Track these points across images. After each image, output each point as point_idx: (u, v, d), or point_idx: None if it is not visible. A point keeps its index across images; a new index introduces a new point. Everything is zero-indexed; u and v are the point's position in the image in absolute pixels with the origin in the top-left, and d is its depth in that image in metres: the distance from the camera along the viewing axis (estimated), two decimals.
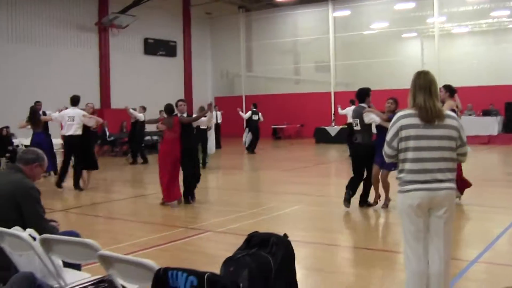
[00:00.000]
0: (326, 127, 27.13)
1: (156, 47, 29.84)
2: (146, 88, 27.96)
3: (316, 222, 8.73)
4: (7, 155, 16.73)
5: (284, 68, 33.24)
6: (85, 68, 25.79)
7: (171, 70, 30.93)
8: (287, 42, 32.93)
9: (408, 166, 4.12)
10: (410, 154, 4.10)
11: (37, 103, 14.85)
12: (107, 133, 21.71)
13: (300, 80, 33.38)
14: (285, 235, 3.77)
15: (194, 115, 10.34)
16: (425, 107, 4.09)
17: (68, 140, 12.25)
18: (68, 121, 12.24)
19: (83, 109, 12.74)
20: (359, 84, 29.36)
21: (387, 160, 4.35)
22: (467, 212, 8.91)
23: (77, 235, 4.63)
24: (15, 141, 17.78)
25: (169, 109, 10.05)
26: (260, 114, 22.44)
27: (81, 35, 25.80)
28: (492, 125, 23.72)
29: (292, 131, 31.05)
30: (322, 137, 26.58)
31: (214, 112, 25.93)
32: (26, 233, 3.86)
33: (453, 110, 8.31)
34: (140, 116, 18.64)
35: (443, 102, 8.98)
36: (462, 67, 25.77)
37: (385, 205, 9.34)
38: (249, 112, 22.36)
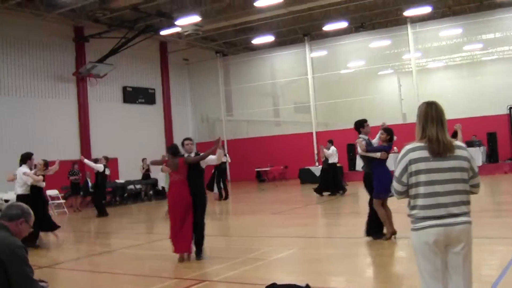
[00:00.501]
0: (310, 168, 26.94)
1: (135, 95, 29.67)
2: (127, 136, 27.70)
3: (315, 266, 8.37)
4: None
5: (264, 110, 33.25)
6: (64, 118, 25.47)
7: (151, 117, 30.73)
8: (265, 84, 33.06)
9: (420, 201, 3.90)
10: (421, 189, 3.89)
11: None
12: (89, 184, 21.23)
13: (281, 122, 33.41)
14: (308, 287, 3.47)
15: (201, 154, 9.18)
16: (437, 140, 3.89)
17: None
18: (15, 180, 11.77)
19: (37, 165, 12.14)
20: (339, 123, 29.79)
21: (397, 197, 4.12)
22: None
23: None
24: None
25: (173, 149, 9.21)
26: (228, 156, 21.76)
27: (59, 85, 25.53)
28: (476, 156, 23.72)
29: (276, 173, 30.82)
30: (307, 177, 26.33)
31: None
32: None
33: None
34: (99, 167, 17.92)
35: None
36: (440, 100, 25.74)
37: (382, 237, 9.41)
38: None
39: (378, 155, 9.18)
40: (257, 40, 29.69)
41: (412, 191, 3.94)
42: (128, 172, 25.09)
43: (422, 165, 3.88)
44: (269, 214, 15.57)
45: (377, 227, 9.39)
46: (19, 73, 23.68)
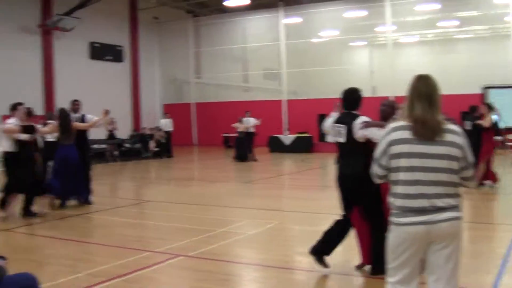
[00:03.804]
0: (279, 136, 26.61)
1: (102, 52, 28.60)
2: (92, 94, 26.65)
3: (297, 244, 7.90)
4: None
5: (233, 75, 32.63)
6: (28, 72, 24.30)
7: (118, 76, 29.71)
8: (236, 48, 32.29)
9: (400, 189, 3.40)
10: (401, 175, 3.38)
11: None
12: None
13: (250, 88, 32.81)
14: None
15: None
16: (422, 120, 3.37)
17: None
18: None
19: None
20: (310, 92, 29.35)
21: (376, 181, 3.62)
22: None
23: (33, 282, 3.68)
24: None
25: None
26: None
27: (23, 37, 24.28)
28: None
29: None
30: (276, 146, 26.05)
31: (166, 120, 25.08)
32: None
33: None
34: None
35: (483, 116, 12.01)
36: (411, 76, 25.59)
37: None
38: None
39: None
40: (229, 2, 28.64)
41: (392, 176, 3.45)
42: (93, 131, 24.14)
43: (403, 148, 3.37)
44: (240, 182, 15.04)
45: None
46: None
